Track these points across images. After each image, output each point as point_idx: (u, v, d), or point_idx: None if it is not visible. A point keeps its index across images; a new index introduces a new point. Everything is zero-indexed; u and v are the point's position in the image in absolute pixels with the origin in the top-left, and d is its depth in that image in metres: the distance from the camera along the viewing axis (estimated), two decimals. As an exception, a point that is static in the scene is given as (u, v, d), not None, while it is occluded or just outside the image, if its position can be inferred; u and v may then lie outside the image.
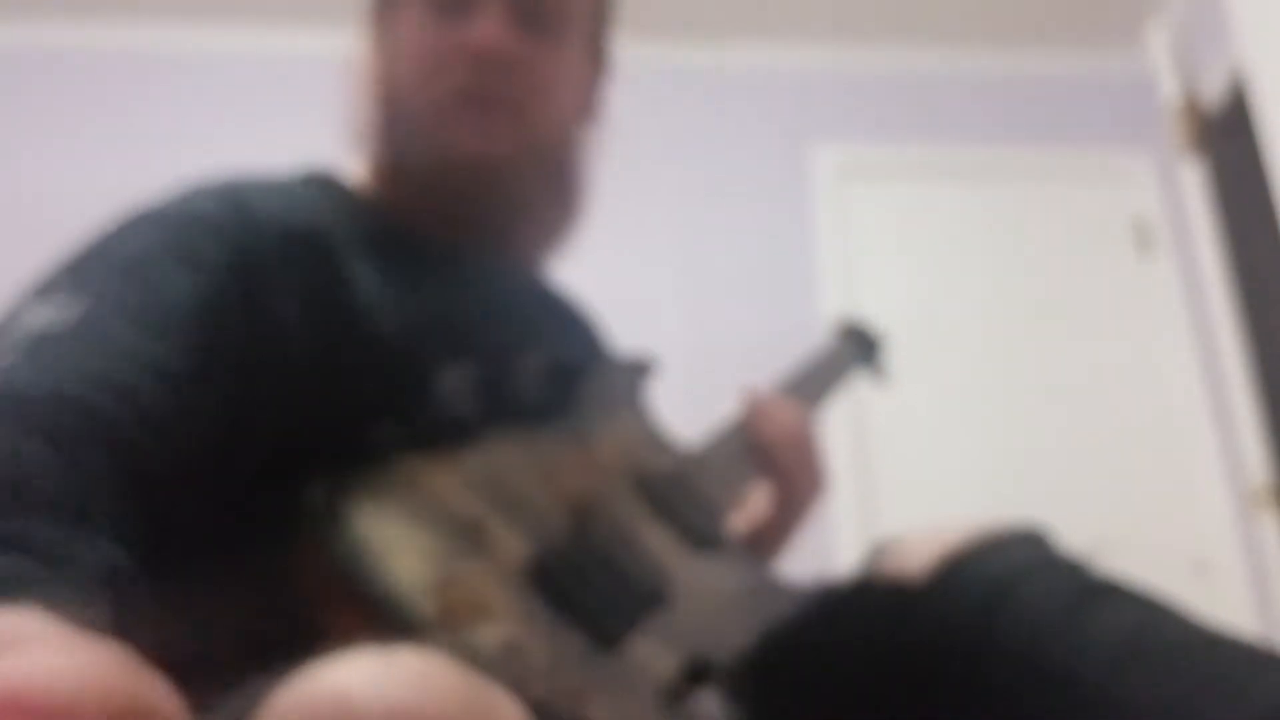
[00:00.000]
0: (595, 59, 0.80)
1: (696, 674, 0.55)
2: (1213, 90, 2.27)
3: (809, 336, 2.37)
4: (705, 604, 0.63)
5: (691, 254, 2.44)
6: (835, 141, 2.65)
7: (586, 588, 0.55)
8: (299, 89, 2.58)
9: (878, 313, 2.45)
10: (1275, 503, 1.66)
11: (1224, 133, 2.16)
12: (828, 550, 2.00)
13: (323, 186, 0.70)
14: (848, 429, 2.22)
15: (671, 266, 2.47)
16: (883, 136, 2.68)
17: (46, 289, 0.52)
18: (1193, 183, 1.86)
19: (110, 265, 0.54)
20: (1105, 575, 0.60)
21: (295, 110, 2.56)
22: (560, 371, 0.70)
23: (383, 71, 0.71)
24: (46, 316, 0.48)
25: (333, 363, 0.60)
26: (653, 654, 0.55)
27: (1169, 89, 1.94)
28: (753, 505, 0.87)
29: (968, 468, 2.31)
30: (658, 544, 0.63)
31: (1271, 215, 1.75)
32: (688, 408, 2.19)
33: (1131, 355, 2.47)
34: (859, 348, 1.12)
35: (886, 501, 2.17)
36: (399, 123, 0.70)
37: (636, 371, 0.78)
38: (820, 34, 2.73)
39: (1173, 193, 2.37)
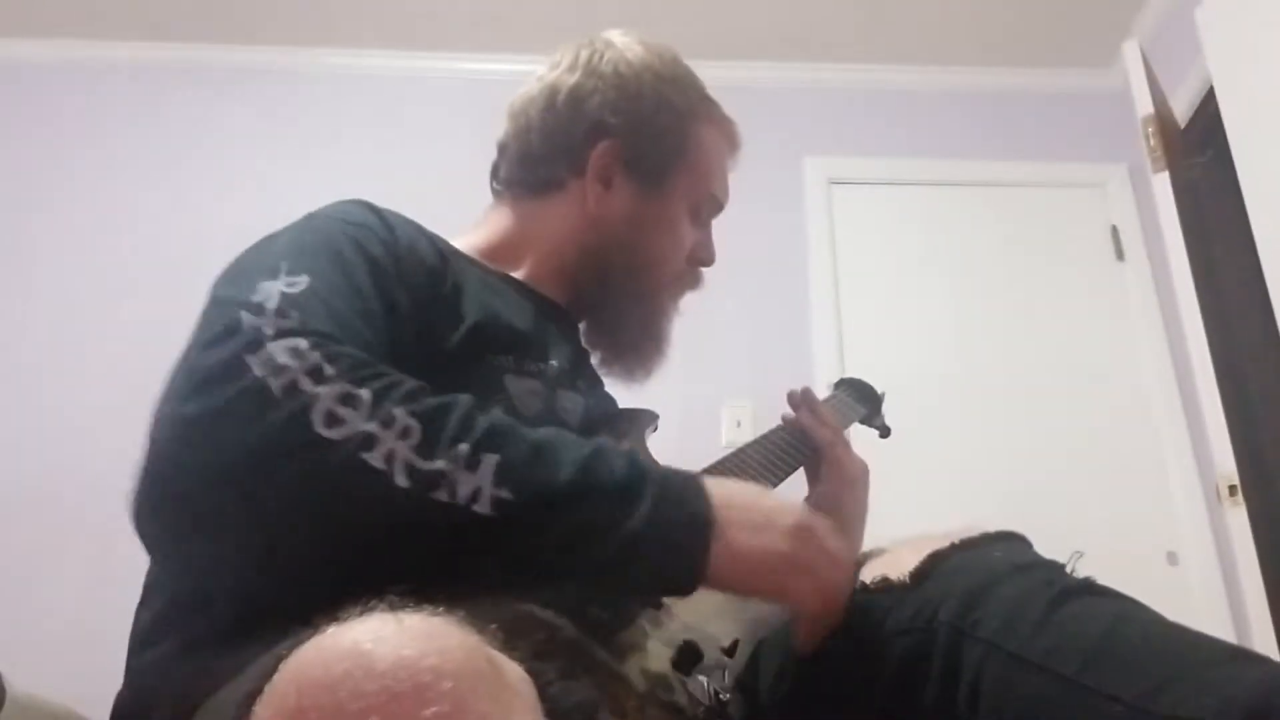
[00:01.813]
0: None
1: (687, 661, 0.61)
2: (1183, 105, 2.37)
3: (806, 328, 2.47)
4: (699, 604, 0.68)
5: None
6: (828, 154, 2.74)
7: (580, 593, 0.60)
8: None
9: (860, 307, 2.55)
10: (1240, 497, 1.74)
11: (1194, 145, 2.25)
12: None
13: (437, 237, 0.88)
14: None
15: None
16: (873, 151, 2.77)
17: (273, 269, 0.67)
18: (1164, 193, 1.94)
19: (315, 253, 0.70)
20: (1080, 577, 0.63)
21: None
22: (593, 417, 0.84)
23: (637, 219, 0.94)
24: (281, 287, 0.64)
25: (441, 332, 0.75)
26: (646, 646, 0.61)
27: (1142, 104, 2.02)
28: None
29: (951, 463, 2.38)
30: None
31: (1239, 223, 1.83)
32: (690, 369, 2.23)
33: (1108, 358, 2.54)
34: (860, 404, 1.19)
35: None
36: (629, 254, 0.93)
37: (644, 419, 0.93)
38: (819, 56, 2.82)
39: (1147, 202, 2.46)
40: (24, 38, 2.72)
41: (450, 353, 0.75)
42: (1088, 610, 0.59)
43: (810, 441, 0.99)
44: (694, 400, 2.35)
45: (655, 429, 0.95)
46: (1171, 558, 2.32)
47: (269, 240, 0.74)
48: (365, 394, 0.57)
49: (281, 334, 0.59)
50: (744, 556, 0.61)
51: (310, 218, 0.77)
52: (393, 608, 0.39)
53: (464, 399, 0.61)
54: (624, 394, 1.01)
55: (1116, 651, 0.55)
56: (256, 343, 0.58)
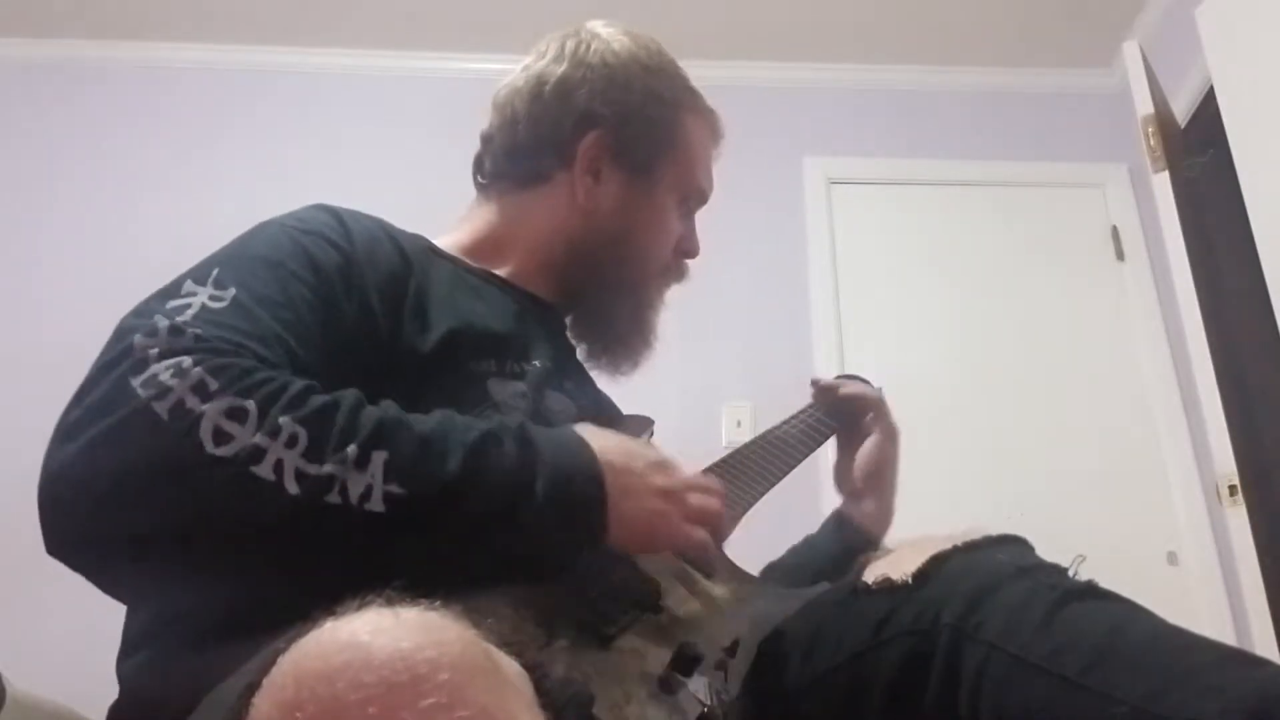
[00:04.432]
0: None
1: (687, 663, 0.60)
2: (1183, 105, 2.37)
3: (806, 328, 2.48)
4: (699, 607, 0.69)
5: (703, 245, 2.53)
6: (828, 154, 2.75)
7: (579, 599, 0.61)
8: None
9: (860, 307, 2.55)
10: (1240, 497, 1.74)
11: (1194, 145, 2.25)
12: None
13: (411, 235, 0.87)
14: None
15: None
16: (873, 151, 2.78)
17: (202, 276, 0.67)
18: (1164, 193, 1.94)
19: (253, 263, 0.69)
20: (1083, 580, 0.63)
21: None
22: (586, 419, 0.82)
23: (625, 210, 0.93)
24: (204, 298, 0.64)
25: (410, 336, 0.74)
26: (645, 649, 0.61)
27: (1142, 104, 2.02)
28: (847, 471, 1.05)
29: (950, 463, 2.38)
30: (655, 564, 0.71)
31: (1239, 223, 1.84)
32: (690, 370, 2.22)
33: (1108, 358, 2.55)
34: None
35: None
36: (618, 245, 0.92)
37: (640, 425, 0.91)
38: (819, 56, 2.82)
39: (1147, 202, 2.46)
40: (24, 38, 2.73)
41: (426, 360, 0.74)
42: (1090, 613, 0.59)
43: (856, 405, 1.05)
44: (694, 400, 2.36)
45: (651, 435, 0.94)
46: (1171, 558, 2.33)
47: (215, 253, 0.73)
48: (251, 405, 0.57)
49: (167, 354, 0.58)
50: (625, 522, 0.65)
51: (263, 225, 0.76)
52: (390, 602, 0.39)
53: (350, 395, 0.61)
54: (623, 394, 1.01)
55: (1119, 654, 0.55)
56: (142, 363, 0.58)
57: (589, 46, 0.93)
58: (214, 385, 0.57)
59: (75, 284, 2.50)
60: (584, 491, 0.63)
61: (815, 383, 1.08)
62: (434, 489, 0.59)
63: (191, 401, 0.56)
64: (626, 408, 0.97)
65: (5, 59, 2.73)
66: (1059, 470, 2.40)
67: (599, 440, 0.67)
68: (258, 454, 0.55)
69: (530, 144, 0.93)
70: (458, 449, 0.60)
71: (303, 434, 0.57)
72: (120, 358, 0.59)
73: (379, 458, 0.57)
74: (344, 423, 0.58)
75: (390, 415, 0.61)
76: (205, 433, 0.55)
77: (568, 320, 0.97)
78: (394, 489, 0.57)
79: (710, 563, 0.70)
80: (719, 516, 0.71)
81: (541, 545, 0.62)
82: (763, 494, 0.89)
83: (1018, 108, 2.84)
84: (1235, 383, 1.91)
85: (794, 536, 1.07)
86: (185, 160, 2.67)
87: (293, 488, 0.55)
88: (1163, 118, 2.06)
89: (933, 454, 2.33)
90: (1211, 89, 1.97)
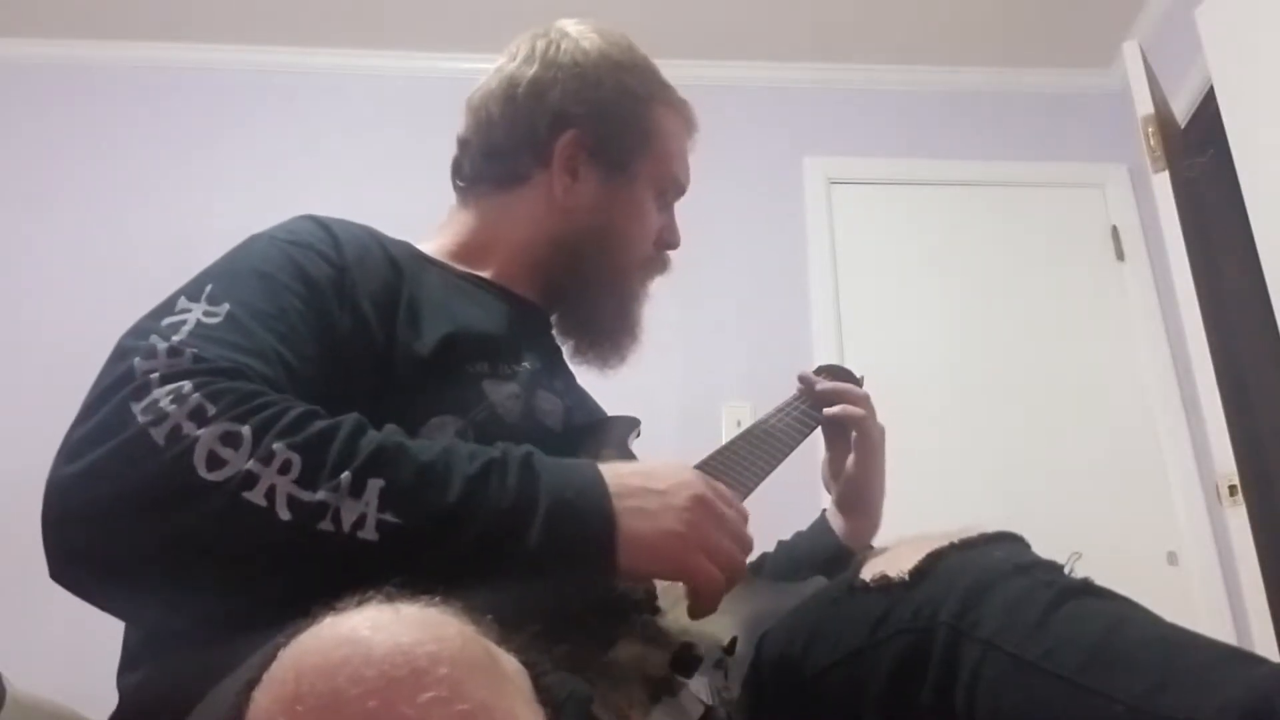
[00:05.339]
0: None
1: (687, 663, 0.61)
2: (1183, 105, 2.37)
3: (805, 328, 2.48)
4: None
5: (702, 246, 2.53)
6: (828, 154, 2.74)
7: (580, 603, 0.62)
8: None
9: (860, 307, 2.55)
10: (1240, 497, 1.74)
11: (1194, 145, 2.25)
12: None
13: (399, 242, 0.87)
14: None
15: (685, 256, 2.56)
16: (873, 151, 2.78)
17: (195, 292, 0.68)
18: (1164, 193, 1.94)
19: (245, 278, 0.70)
20: (1080, 578, 0.63)
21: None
22: (574, 420, 0.84)
23: (605, 207, 0.94)
24: (199, 314, 0.65)
25: (405, 343, 0.75)
26: (645, 651, 0.62)
27: (1142, 104, 2.02)
28: (835, 467, 1.04)
29: (950, 463, 2.38)
30: None
31: (1239, 223, 1.84)
32: (690, 370, 2.21)
33: (1108, 358, 2.55)
34: None
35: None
36: (600, 241, 0.93)
37: (627, 426, 0.92)
38: (819, 56, 2.82)
39: (1147, 202, 2.47)
40: (24, 38, 2.73)
41: (423, 364, 0.74)
42: (1087, 611, 0.59)
43: (840, 414, 1.02)
44: (694, 400, 2.36)
45: (638, 435, 0.95)
46: (1171, 558, 2.33)
47: (207, 268, 0.74)
48: (246, 431, 0.57)
49: (168, 378, 0.59)
50: (642, 545, 0.62)
51: (253, 239, 0.77)
52: (390, 598, 0.40)
53: (351, 420, 0.61)
54: (624, 393, 1.01)
55: (1115, 652, 0.55)
56: (144, 388, 0.58)
57: (559, 46, 0.94)
58: (211, 410, 0.57)
59: (74, 284, 2.50)
60: (588, 530, 0.61)
61: (802, 378, 1.07)
62: (430, 519, 0.58)
63: (188, 427, 0.56)
64: (627, 407, 0.97)
65: (5, 59, 2.74)
66: (1059, 470, 2.40)
67: (619, 476, 0.65)
68: (250, 480, 0.55)
69: (507, 146, 0.94)
70: (458, 480, 0.60)
71: (297, 460, 0.57)
72: (121, 381, 0.60)
73: (375, 485, 0.57)
74: (341, 449, 0.58)
75: (391, 441, 0.60)
76: (199, 458, 0.55)
77: (553, 319, 0.98)
78: (388, 517, 0.57)
79: (716, 603, 0.66)
80: (741, 564, 0.68)
81: (540, 580, 0.60)
82: (754, 487, 0.89)
83: (1018, 108, 2.84)
84: (1235, 383, 1.91)
85: (791, 530, 1.07)
86: (185, 161, 2.67)
87: (285, 514, 0.55)
88: (1163, 118, 2.06)
89: (932, 453, 2.34)
90: (1211, 89, 1.97)
